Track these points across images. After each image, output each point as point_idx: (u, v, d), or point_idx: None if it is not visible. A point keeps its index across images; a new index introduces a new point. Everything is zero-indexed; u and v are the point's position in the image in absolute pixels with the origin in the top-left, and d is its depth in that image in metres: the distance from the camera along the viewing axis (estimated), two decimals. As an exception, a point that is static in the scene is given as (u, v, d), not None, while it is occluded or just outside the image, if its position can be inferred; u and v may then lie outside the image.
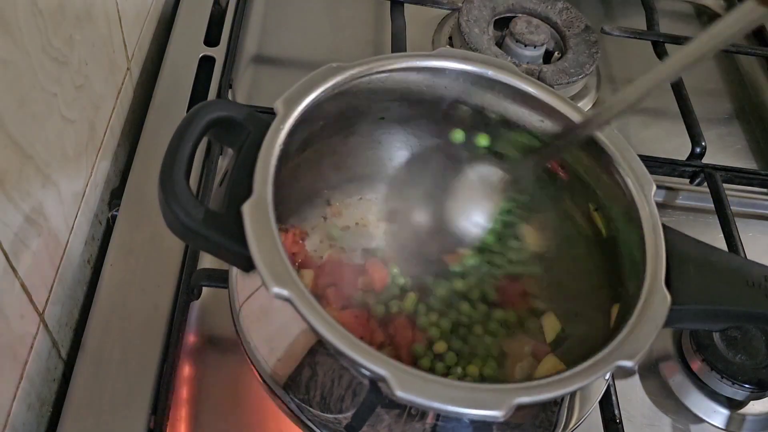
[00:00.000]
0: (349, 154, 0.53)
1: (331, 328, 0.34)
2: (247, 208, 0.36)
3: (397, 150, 0.55)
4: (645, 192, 0.43)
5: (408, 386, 0.33)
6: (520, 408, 0.33)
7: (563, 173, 0.49)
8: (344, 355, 0.34)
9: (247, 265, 0.36)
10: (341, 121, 0.48)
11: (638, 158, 0.45)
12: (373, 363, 0.33)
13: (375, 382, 0.37)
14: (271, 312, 0.41)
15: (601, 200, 0.47)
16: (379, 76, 0.46)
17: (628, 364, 0.36)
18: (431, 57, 0.47)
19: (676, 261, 0.41)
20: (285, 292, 0.34)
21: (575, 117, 0.46)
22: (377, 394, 0.37)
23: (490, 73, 0.47)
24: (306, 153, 0.48)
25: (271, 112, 0.41)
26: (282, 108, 0.41)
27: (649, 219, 0.42)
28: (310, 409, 0.40)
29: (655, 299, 0.38)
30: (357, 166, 0.54)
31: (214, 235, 0.37)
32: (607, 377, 0.43)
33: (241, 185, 0.38)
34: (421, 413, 0.38)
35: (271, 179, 0.38)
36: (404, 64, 0.46)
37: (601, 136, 0.45)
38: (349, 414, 0.39)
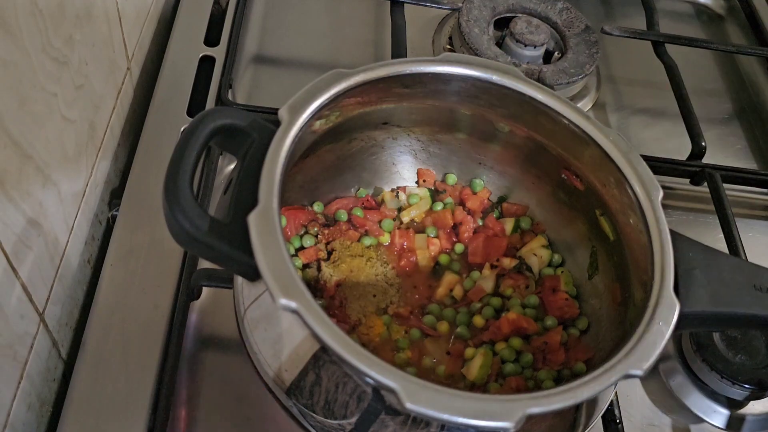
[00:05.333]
0: (352, 158, 0.53)
1: (339, 339, 0.34)
2: (252, 218, 0.36)
3: (400, 154, 0.55)
4: (652, 198, 0.43)
5: (417, 398, 0.33)
6: (530, 418, 0.33)
7: (579, 184, 0.49)
8: (352, 366, 0.33)
9: (254, 275, 0.36)
10: (344, 126, 0.48)
11: (645, 163, 0.45)
12: (382, 375, 0.33)
13: (380, 391, 0.37)
14: (277, 316, 0.41)
15: (608, 205, 0.47)
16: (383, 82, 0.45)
17: (637, 372, 0.36)
18: (436, 62, 0.46)
19: (683, 267, 0.41)
20: (292, 304, 0.34)
21: (583, 124, 0.46)
22: (381, 400, 0.37)
23: (495, 78, 0.47)
24: (309, 158, 0.48)
25: (271, 113, 0.41)
26: (287, 115, 0.40)
27: (656, 225, 0.42)
28: (314, 414, 0.40)
29: (664, 306, 0.38)
30: (360, 171, 0.54)
31: (219, 245, 0.37)
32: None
33: (246, 194, 0.38)
34: (426, 421, 0.38)
35: (277, 188, 0.37)
36: (409, 70, 0.46)
37: (607, 140, 0.45)
38: (353, 420, 0.39)
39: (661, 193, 0.43)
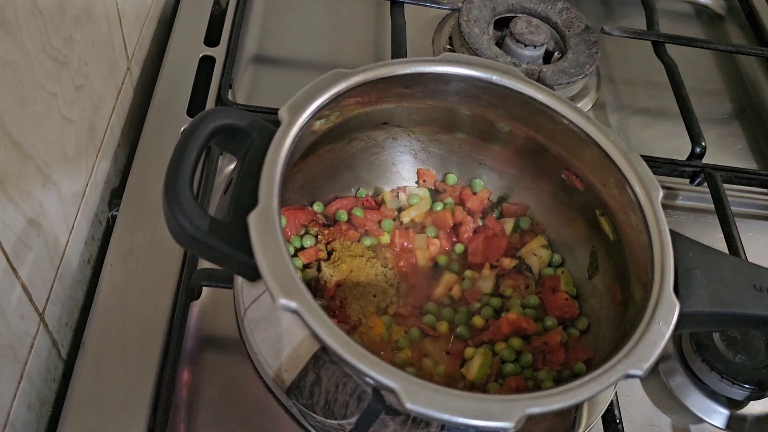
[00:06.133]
0: (352, 158, 0.53)
1: (339, 339, 0.34)
2: (252, 218, 0.36)
3: (400, 154, 0.55)
4: (652, 198, 0.43)
5: (418, 398, 0.33)
6: (530, 418, 0.33)
7: (580, 184, 0.49)
8: (352, 366, 0.33)
9: (253, 275, 0.36)
10: (344, 126, 0.48)
11: (644, 163, 0.45)
12: (382, 375, 0.33)
13: (380, 391, 0.37)
14: (277, 316, 0.41)
15: (608, 205, 0.47)
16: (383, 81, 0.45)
17: (637, 372, 0.36)
18: (436, 62, 0.46)
19: (683, 266, 0.41)
20: (292, 304, 0.34)
21: (583, 124, 0.46)
22: (381, 400, 0.37)
23: (495, 78, 0.47)
24: (309, 158, 0.48)
25: (271, 113, 0.41)
26: (287, 115, 0.40)
27: (656, 225, 0.42)
28: (314, 414, 0.40)
29: (664, 306, 0.38)
30: (360, 171, 0.54)
31: (219, 245, 0.37)
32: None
33: (246, 194, 0.38)
34: (426, 421, 0.38)
35: (277, 188, 0.37)
36: (409, 70, 0.46)
37: (607, 140, 0.45)
38: (353, 420, 0.39)
39: (661, 193, 0.43)
